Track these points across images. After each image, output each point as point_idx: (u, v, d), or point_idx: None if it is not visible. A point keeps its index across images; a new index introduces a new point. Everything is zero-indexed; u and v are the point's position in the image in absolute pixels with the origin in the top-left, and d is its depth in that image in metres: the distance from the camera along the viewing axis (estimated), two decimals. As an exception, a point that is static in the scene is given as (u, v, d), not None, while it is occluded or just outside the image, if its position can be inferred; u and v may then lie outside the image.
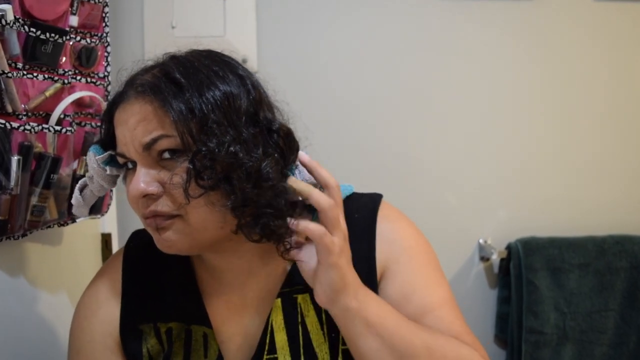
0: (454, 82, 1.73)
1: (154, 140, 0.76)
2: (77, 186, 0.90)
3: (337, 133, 1.71)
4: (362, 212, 0.90)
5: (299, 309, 0.86)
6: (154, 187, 0.77)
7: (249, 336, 0.88)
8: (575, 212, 1.75)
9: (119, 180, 0.89)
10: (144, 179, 0.77)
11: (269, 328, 0.86)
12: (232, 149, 0.73)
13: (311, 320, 0.86)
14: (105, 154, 0.84)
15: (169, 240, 0.79)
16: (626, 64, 1.74)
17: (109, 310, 0.92)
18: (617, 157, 1.76)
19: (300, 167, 0.84)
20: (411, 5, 1.71)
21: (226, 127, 0.75)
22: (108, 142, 0.84)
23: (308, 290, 0.86)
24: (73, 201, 0.90)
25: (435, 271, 0.89)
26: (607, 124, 1.75)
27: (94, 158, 0.85)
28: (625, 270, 1.67)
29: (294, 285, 0.87)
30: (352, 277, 0.77)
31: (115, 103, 0.81)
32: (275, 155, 0.77)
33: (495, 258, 1.71)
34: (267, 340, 0.86)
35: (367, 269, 0.87)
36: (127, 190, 0.79)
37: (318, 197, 0.75)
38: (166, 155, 0.77)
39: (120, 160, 0.82)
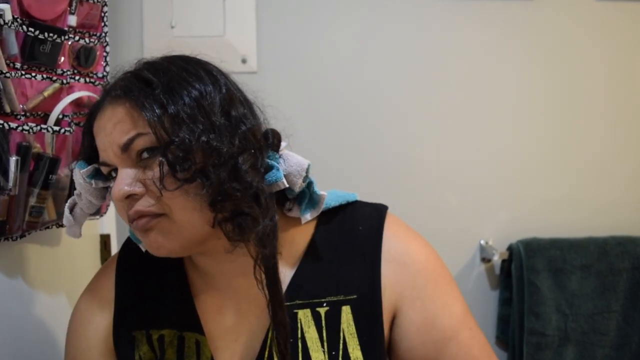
0: (454, 82, 1.73)
1: (131, 140, 0.77)
2: (67, 205, 0.90)
3: (337, 133, 1.71)
4: (366, 224, 0.89)
5: (299, 324, 0.85)
6: (135, 187, 0.77)
7: (245, 344, 0.87)
8: (577, 213, 1.75)
9: None
10: (125, 181, 0.77)
11: (268, 342, 0.85)
12: (203, 137, 0.74)
13: (311, 337, 0.85)
14: (90, 167, 0.85)
15: (157, 242, 0.79)
16: (628, 64, 1.74)
17: (102, 317, 0.92)
18: (619, 157, 1.76)
19: (285, 155, 0.83)
20: (411, 5, 1.71)
21: (198, 118, 0.76)
22: (92, 155, 0.85)
23: (309, 305, 0.86)
24: (65, 222, 0.90)
25: (449, 288, 0.89)
26: (609, 124, 1.75)
27: (79, 173, 0.85)
28: (628, 272, 1.67)
29: (295, 300, 0.86)
30: None
31: (92, 114, 0.83)
32: (252, 150, 0.78)
33: (496, 259, 1.71)
34: (266, 355, 0.84)
35: (368, 283, 0.86)
36: (111, 195, 0.79)
37: None
38: (145, 155, 0.77)
39: (104, 169, 0.83)
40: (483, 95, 1.73)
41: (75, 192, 0.88)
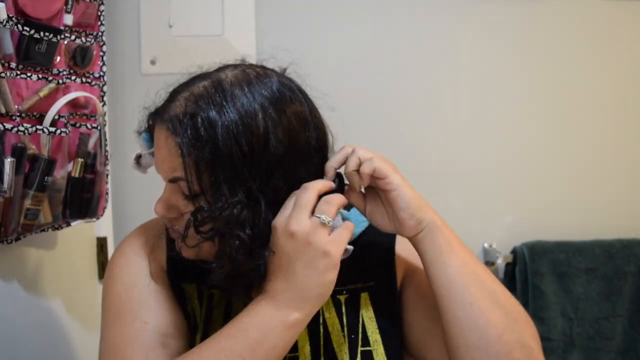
0: (458, 85, 1.72)
1: (175, 179, 0.79)
2: (134, 157, 0.91)
3: (338, 134, 1.70)
4: (379, 238, 0.94)
5: (320, 311, 0.90)
6: (171, 213, 0.83)
7: None
8: (582, 216, 1.74)
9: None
10: (165, 205, 0.82)
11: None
12: (235, 211, 0.75)
13: (332, 322, 0.90)
14: (152, 149, 0.86)
15: (183, 251, 0.83)
16: (634, 63, 1.74)
17: (158, 255, 0.91)
18: (625, 159, 1.75)
19: None
20: (416, 3, 1.70)
21: (237, 189, 0.76)
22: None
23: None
24: (133, 167, 0.92)
25: None
26: (615, 126, 1.75)
27: (146, 151, 0.88)
28: (634, 275, 1.66)
29: None
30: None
31: (158, 112, 0.83)
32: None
33: (500, 262, 1.71)
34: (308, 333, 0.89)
35: (384, 270, 0.93)
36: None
37: (338, 156, 0.88)
38: (186, 192, 0.80)
39: None
40: (486, 96, 1.72)
41: (140, 151, 0.90)
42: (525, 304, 1.66)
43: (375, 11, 1.70)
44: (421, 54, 1.72)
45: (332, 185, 0.83)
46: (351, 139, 1.66)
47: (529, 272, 1.65)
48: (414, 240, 0.83)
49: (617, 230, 1.73)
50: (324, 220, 0.77)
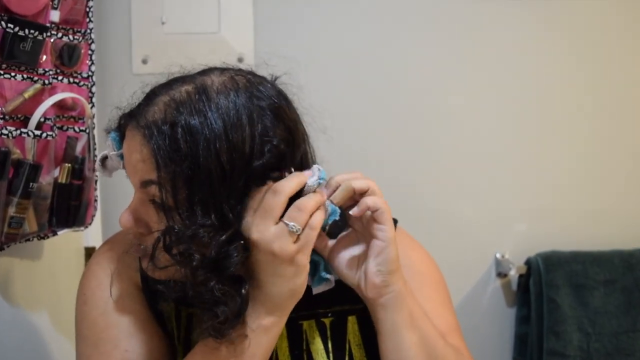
0: (470, 89, 1.72)
1: (147, 183, 0.77)
2: (99, 158, 0.89)
3: (340, 136, 1.69)
4: None
5: (304, 336, 0.89)
6: (139, 227, 0.80)
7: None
8: (600, 224, 1.74)
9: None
10: (132, 216, 0.80)
11: (274, 355, 0.87)
12: (202, 233, 0.73)
13: (316, 348, 0.88)
14: (121, 151, 0.84)
15: (147, 270, 0.81)
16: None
17: (131, 272, 0.89)
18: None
19: None
20: (418, 1, 1.70)
21: (210, 209, 0.74)
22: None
23: (313, 316, 0.89)
24: (97, 169, 0.91)
25: (444, 299, 0.94)
26: (633, 131, 1.75)
27: (112, 151, 0.86)
28: (655, 287, 1.66)
29: (300, 311, 0.87)
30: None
31: (132, 114, 0.81)
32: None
33: (513, 274, 1.71)
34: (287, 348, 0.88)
35: None
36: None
37: (346, 175, 0.85)
38: (155, 200, 0.78)
39: None
40: (500, 102, 1.72)
41: (106, 152, 0.88)
42: (540, 317, 1.66)
43: (375, 9, 1.70)
44: (430, 54, 1.72)
45: (305, 180, 0.78)
46: (357, 139, 1.67)
47: (544, 284, 1.65)
48: (373, 303, 0.83)
49: (638, 239, 1.73)
50: (292, 228, 0.74)
